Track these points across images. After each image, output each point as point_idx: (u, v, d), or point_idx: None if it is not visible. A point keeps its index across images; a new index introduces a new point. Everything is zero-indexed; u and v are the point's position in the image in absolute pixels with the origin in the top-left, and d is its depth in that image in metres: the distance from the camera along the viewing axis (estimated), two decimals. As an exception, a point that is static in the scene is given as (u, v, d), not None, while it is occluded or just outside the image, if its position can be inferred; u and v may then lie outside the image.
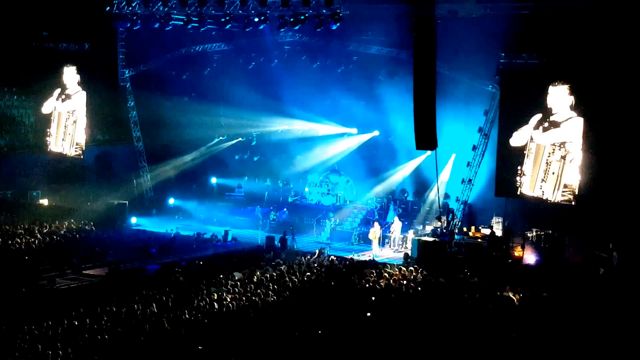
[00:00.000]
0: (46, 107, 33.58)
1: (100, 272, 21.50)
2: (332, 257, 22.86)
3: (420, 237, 25.55)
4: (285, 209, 31.99)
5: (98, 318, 14.77)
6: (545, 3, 22.84)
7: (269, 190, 34.47)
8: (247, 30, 27.11)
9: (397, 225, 27.76)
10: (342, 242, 28.44)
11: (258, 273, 19.58)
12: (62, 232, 25.55)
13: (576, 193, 23.36)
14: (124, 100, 32.91)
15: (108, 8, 28.64)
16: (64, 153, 33.15)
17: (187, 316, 15.14)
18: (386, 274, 19.94)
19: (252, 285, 18.04)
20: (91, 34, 31.86)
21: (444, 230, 26.02)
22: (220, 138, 36.15)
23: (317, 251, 23.57)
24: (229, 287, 17.76)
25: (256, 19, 26.52)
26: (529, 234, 24.65)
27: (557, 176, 23.65)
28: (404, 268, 21.20)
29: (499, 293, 18.06)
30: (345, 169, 33.40)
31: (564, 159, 23.53)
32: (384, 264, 22.26)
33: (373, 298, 17.51)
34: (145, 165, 33.80)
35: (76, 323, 14.34)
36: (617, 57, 22.33)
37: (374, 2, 25.55)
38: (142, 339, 13.72)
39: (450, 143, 27.21)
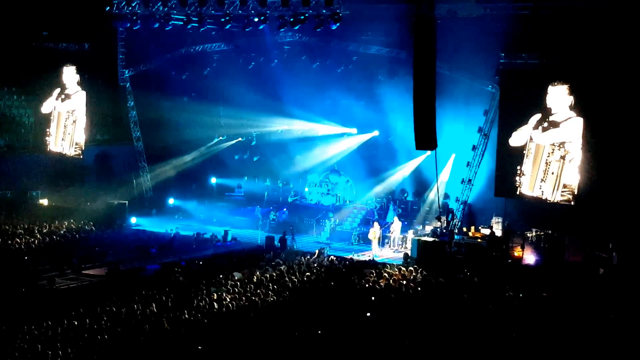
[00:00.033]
0: (46, 107, 33.59)
1: (100, 272, 21.47)
2: (332, 257, 22.84)
3: (420, 237, 25.52)
4: (285, 209, 31.95)
5: (98, 318, 14.79)
6: (545, 3, 22.84)
7: (268, 190, 34.42)
8: (247, 30, 27.10)
9: (396, 225, 27.74)
10: (341, 242, 28.40)
11: (258, 273, 19.59)
12: (62, 232, 25.58)
13: (575, 193, 23.37)
14: (123, 100, 32.89)
15: (108, 8, 28.61)
16: (64, 153, 33.15)
17: (186, 316, 15.15)
18: (386, 274, 19.94)
19: (252, 286, 18.04)
20: (91, 34, 31.87)
21: (444, 231, 25.98)
22: (220, 138, 36.06)
23: (317, 251, 23.56)
24: (228, 287, 17.77)
25: (256, 19, 26.52)
26: (528, 234, 24.59)
27: (557, 176, 23.67)
28: (403, 268, 21.22)
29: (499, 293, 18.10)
30: (345, 169, 33.35)
31: (564, 159, 23.55)
32: (384, 264, 22.25)
33: (373, 298, 17.52)
34: (145, 165, 33.79)
35: (76, 323, 14.36)
36: (616, 57, 22.33)
37: (374, 2, 25.55)
38: (141, 339, 13.73)
39: (450, 143, 27.17)
